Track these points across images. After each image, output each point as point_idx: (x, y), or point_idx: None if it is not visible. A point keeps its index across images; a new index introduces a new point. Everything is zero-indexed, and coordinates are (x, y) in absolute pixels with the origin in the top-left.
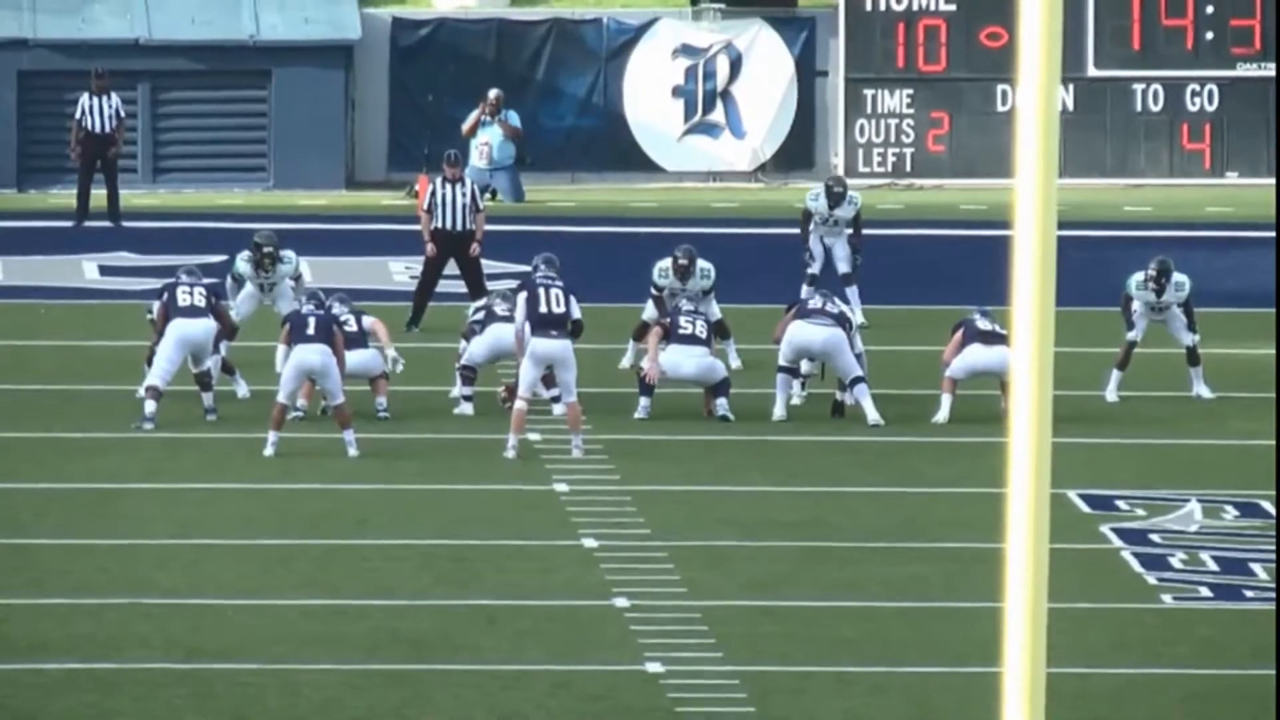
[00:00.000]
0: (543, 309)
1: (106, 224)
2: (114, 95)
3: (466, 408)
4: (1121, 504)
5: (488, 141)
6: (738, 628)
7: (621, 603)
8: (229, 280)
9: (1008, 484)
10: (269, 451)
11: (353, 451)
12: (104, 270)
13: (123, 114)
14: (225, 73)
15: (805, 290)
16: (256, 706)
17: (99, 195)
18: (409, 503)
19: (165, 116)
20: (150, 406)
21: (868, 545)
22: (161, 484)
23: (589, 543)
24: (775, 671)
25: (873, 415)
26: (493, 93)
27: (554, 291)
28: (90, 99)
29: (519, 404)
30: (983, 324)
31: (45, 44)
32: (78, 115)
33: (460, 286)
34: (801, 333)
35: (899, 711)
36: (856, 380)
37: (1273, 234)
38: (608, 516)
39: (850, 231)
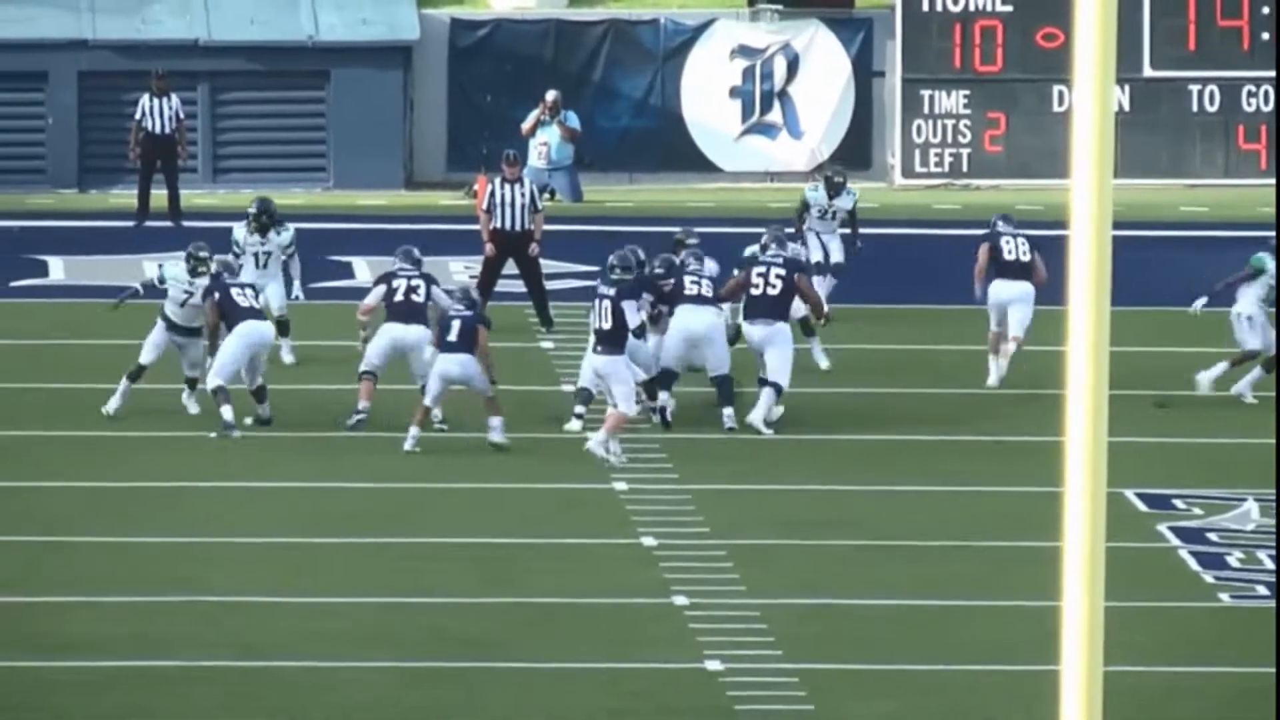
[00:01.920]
0: (595, 325)
1: (167, 224)
2: (174, 96)
3: (575, 424)
4: (1179, 503)
5: (546, 142)
6: (796, 626)
7: (680, 601)
8: (232, 254)
9: (1064, 482)
10: (409, 446)
11: (497, 437)
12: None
13: (183, 115)
14: (284, 73)
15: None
16: (310, 704)
17: (159, 195)
18: (467, 501)
19: (224, 117)
20: (228, 412)
21: (924, 544)
22: (211, 482)
23: (648, 541)
24: (834, 670)
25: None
26: (551, 94)
27: (604, 305)
28: (150, 100)
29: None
30: (1007, 247)
31: (105, 45)
32: (138, 116)
33: (519, 286)
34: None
35: (954, 709)
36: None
37: None
38: (667, 515)
39: (847, 230)
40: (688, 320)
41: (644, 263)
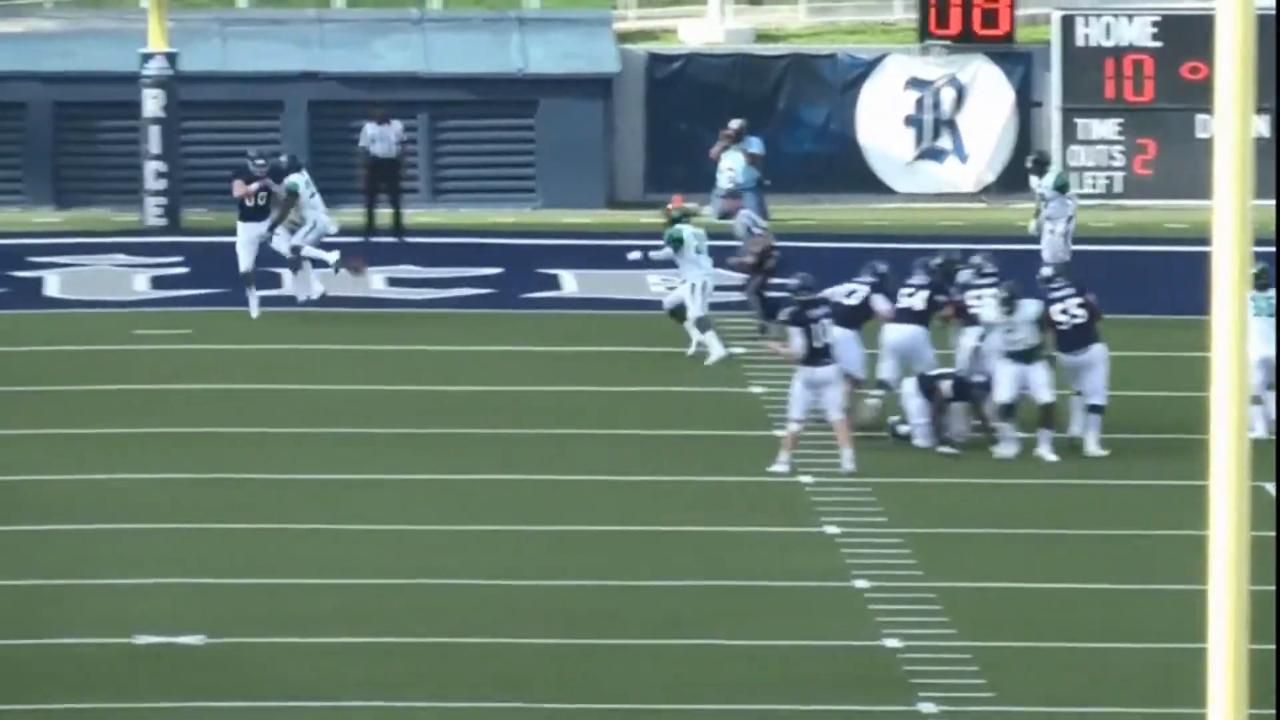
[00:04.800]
0: (815, 343)
1: (392, 240)
2: (396, 123)
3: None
4: None
5: (731, 166)
6: (971, 607)
7: (861, 584)
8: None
9: (1210, 476)
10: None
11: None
12: (391, 281)
13: (404, 139)
14: (496, 103)
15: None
16: (539, 678)
17: (384, 214)
18: (663, 491)
19: (443, 142)
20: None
21: (1087, 533)
22: (425, 475)
23: (830, 529)
24: (1005, 647)
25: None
26: (735, 122)
27: (822, 322)
28: (374, 127)
29: (793, 426)
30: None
31: (333, 76)
32: (362, 142)
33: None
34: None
35: (1124, 685)
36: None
37: None
38: (848, 505)
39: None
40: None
41: (953, 263)
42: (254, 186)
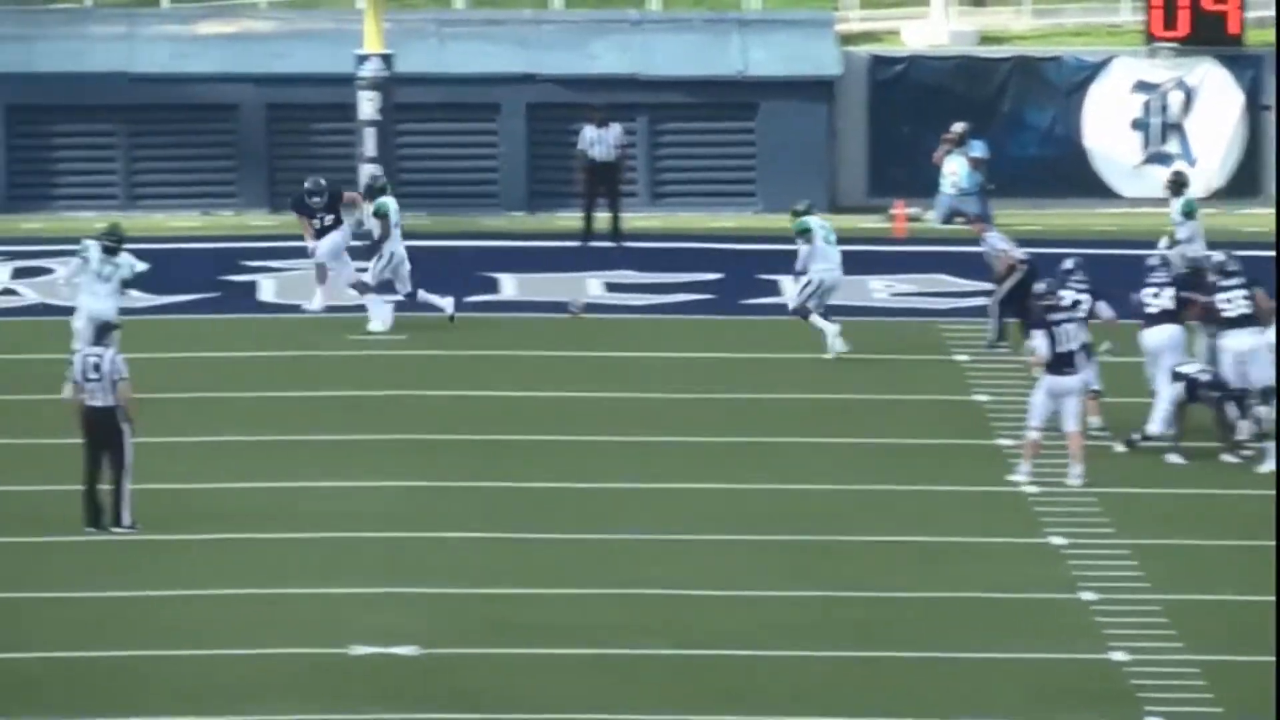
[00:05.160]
0: (1059, 348)
1: (609, 244)
2: (615, 126)
3: (1176, 458)
4: None
5: (955, 170)
6: (1199, 621)
7: (1087, 596)
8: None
9: None
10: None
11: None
12: (609, 287)
13: (623, 143)
14: (716, 105)
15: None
16: (749, 688)
17: (602, 218)
18: (883, 502)
19: (662, 145)
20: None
21: None
22: (641, 484)
23: (1056, 540)
24: (1233, 661)
25: None
26: (958, 126)
27: (1067, 327)
28: (592, 130)
29: (1033, 434)
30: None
31: (551, 79)
32: (581, 145)
33: (927, 303)
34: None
35: None
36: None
37: None
38: (1074, 515)
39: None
40: (1235, 342)
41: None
42: (316, 223)
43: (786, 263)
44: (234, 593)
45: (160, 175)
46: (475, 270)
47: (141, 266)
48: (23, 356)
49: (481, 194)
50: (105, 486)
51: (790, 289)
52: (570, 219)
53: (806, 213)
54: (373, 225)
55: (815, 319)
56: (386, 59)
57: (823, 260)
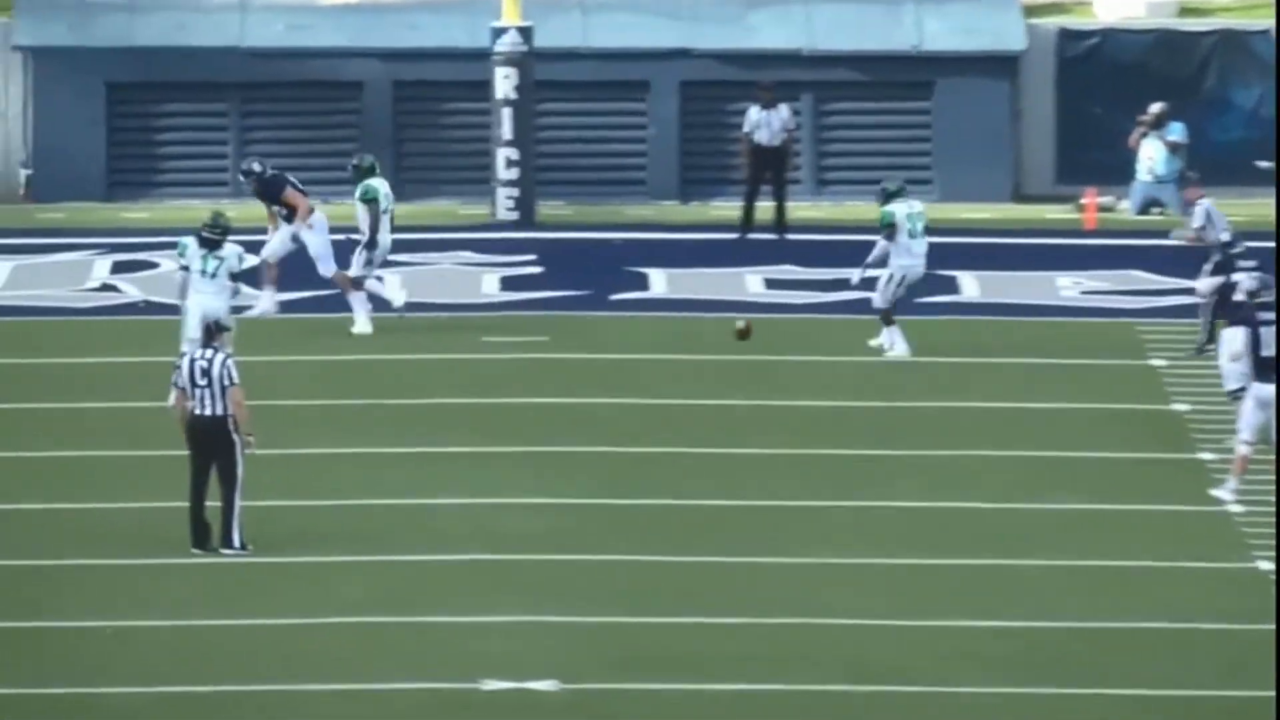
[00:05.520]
0: (1261, 352)
1: (771, 236)
2: (783, 107)
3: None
4: None
5: (1151, 155)
6: None
7: None
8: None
9: None
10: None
11: None
12: (769, 283)
13: (792, 127)
14: (888, 84)
15: None
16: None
17: (763, 207)
18: (1070, 521)
19: (828, 128)
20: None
21: None
22: (803, 500)
23: (1264, 565)
24: None
25: None
26: (1155, 106)
27: (1267, 330)
28: (758, 112)
29: (1243, 448)
30: None
31: (706, 54)
32: (746, 129)
33: (1124, 302)
34: None
35: None
36: None
37: None
38: None
39: None
40: None
41: None
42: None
43: (966, 258)
44: (353, 621)
45: (275, 160)
46: (621, 265)
47: (251, 260)
48: (124, 359)
49: (629, 180)
50: (214, 504)
51: (970, 286)
52: (726, 208)
53: (898, 194)
54: (360, 213)
55: (893, 329)
56: (525, 32)
57: (906, 255)
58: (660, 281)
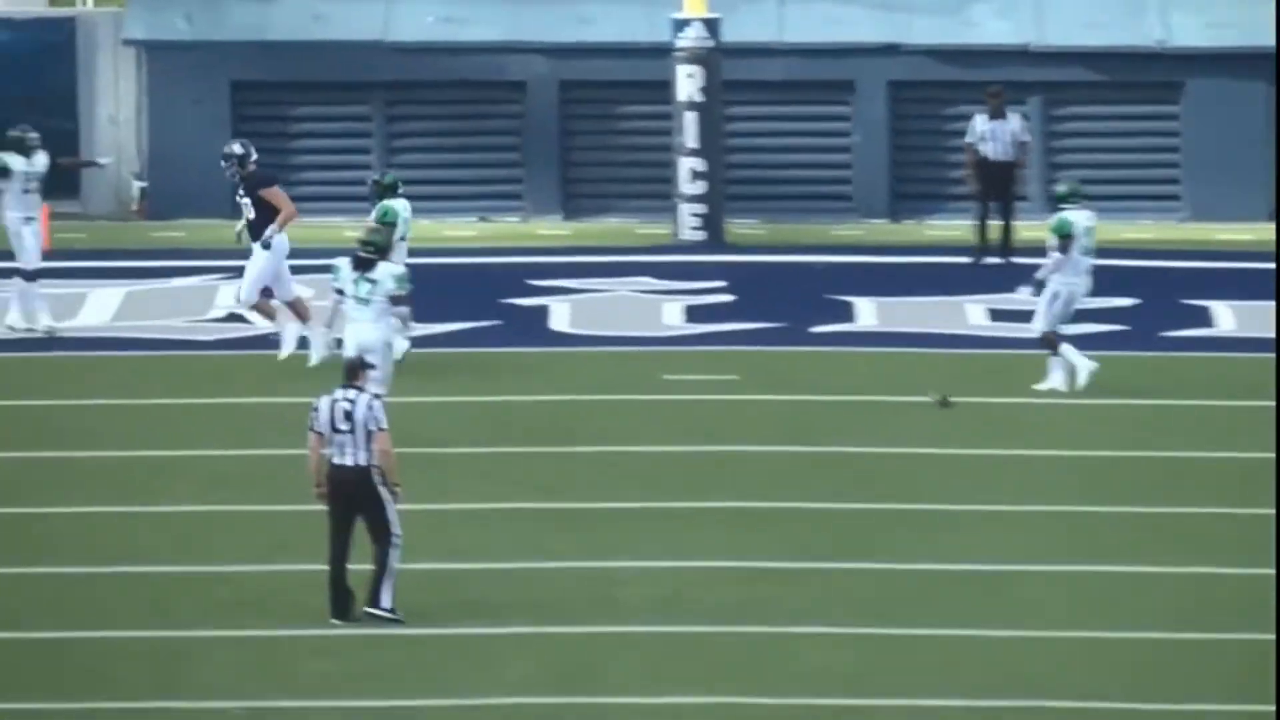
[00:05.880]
0: None
1: (997, 260)
2: (1014, 117)
3: None
4: None
5: None
6: None
7: None
8: None
9: None
10: None
11: None
12: (994, 315)
13: (1025, 138)
14: (1129, 85)
15: None
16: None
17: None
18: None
19: (1060, 135)
20: None
21: None
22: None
23: None
24: None
25: None
26: None
27: None
28: (986, 122)
29: None
30: None
31: (919, 49)
32: (970, 138)
33: None
34: None
35: None
36: None
37: None
38: None
39: None
40: None
41: None
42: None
43: (1219, 284)
44: (522, 702)
45: (425, 171)
46: (823, 293)
47: (407, 283)
48: (255, 400)
49: (832, 195)
50: (355, 567)
51: (1225, 317)
52: (943, 227)
53: (1071, 198)
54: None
55: (1067, 350)
56: (712, 24)
57: (1074, 271)
58: (868, 312)
